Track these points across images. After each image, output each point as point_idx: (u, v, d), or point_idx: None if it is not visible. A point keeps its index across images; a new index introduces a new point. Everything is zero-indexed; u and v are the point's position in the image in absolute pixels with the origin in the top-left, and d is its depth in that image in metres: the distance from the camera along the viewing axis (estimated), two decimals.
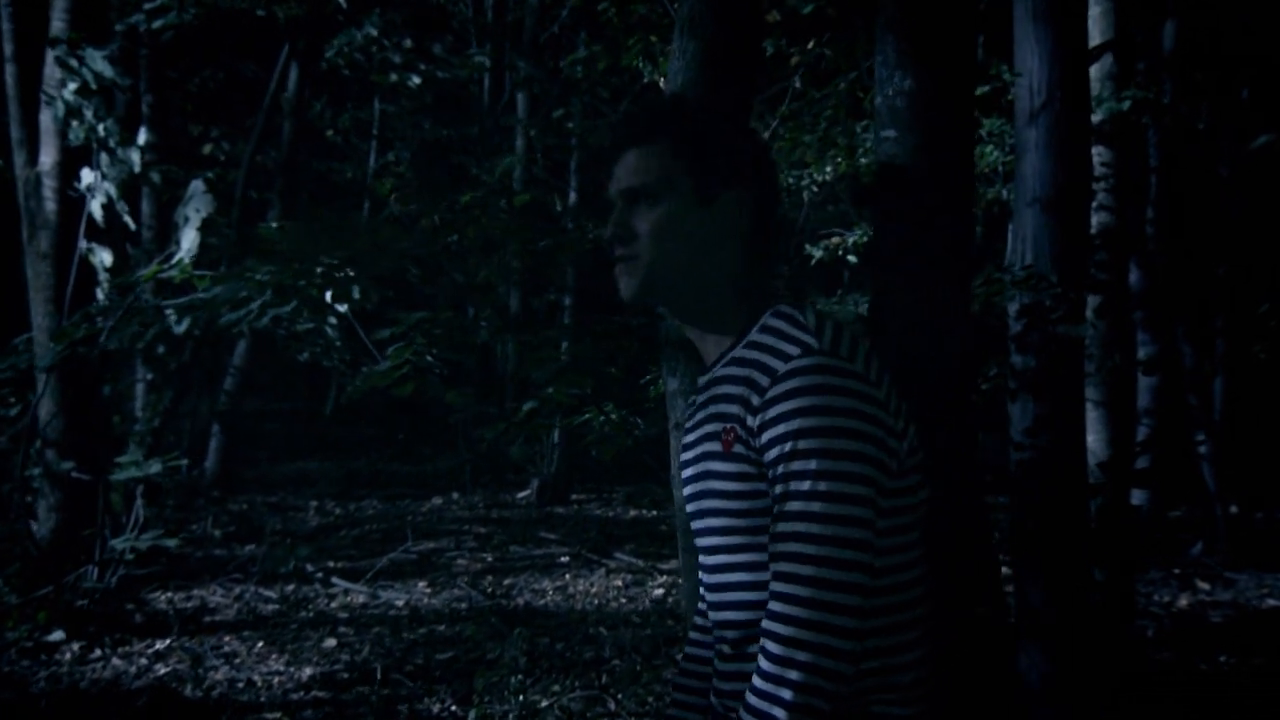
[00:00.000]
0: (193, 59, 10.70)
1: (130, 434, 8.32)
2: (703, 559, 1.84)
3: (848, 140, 4.49)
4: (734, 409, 1.73)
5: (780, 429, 1.61)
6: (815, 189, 5.18)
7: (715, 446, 1.77)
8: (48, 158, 6.98)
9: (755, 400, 1.67)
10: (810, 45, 3.70)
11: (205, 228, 5.12)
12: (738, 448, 1.71)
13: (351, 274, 3.74)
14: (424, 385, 4.62)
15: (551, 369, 3.61)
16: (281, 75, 8.76)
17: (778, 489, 1.63)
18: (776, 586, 1.61)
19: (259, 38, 10.08)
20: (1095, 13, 5.46)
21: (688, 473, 1.88)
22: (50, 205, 7.01)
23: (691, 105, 1.84)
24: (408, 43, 10.94)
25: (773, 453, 1.63)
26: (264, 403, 15.41)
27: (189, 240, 5.49)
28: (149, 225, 9.64)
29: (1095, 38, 5.32)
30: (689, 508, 1.87)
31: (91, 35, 6.79)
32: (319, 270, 3.65)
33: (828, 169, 5.08)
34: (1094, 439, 5.43)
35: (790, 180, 4.91)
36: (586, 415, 4.09)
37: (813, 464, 1.59)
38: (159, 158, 9.28)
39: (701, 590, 1.86)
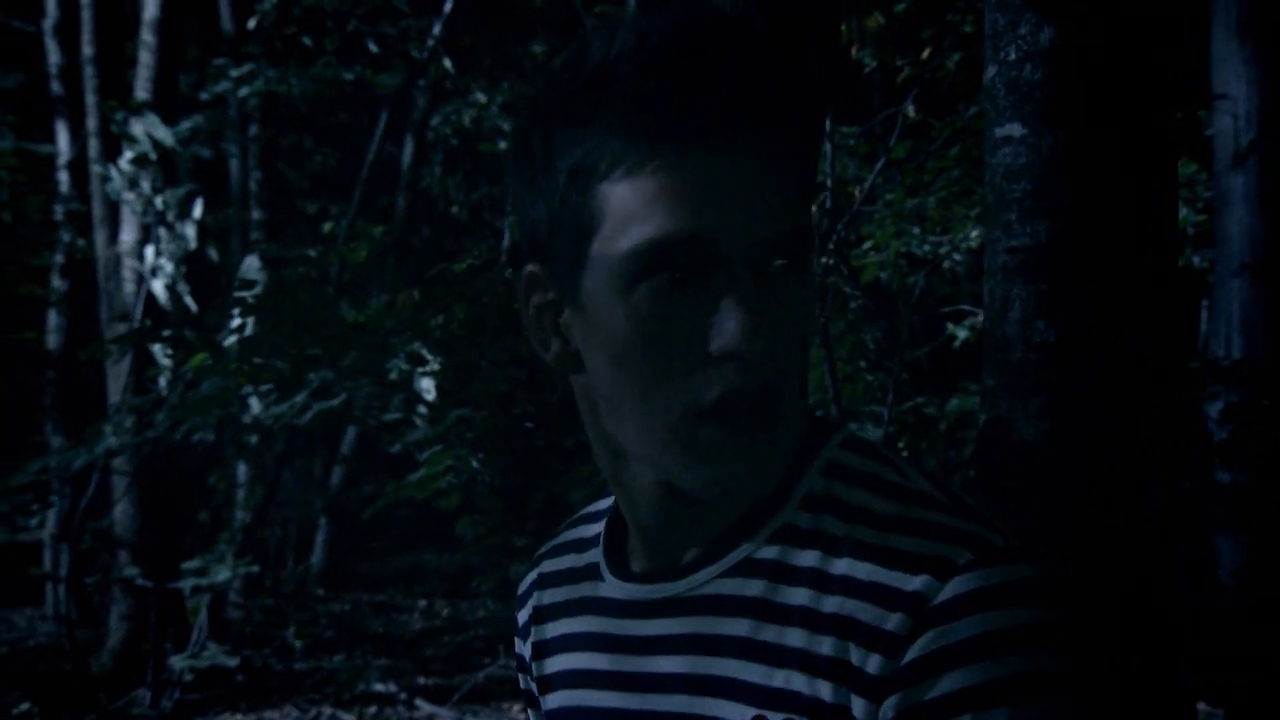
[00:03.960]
0: (308, 133, 10.41)
1: (221, 531, 7.84)
2: None
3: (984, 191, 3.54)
4: (780, 677, 0.82)
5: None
6: (957, 258, 4.23)
7: None
8: (128, 236, 6.58)
9: (867, 659, 0.78)
10: (925, 54, 2.78)
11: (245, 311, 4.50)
12: None
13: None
14: (472, 496, 3.87)
15: (592, 487, 2.78)
16: (381, 146, 8.32)
17: None
18: None
19: (374, 109, 9.70)
20: None
21: None
22: (129, 287, 6.59)
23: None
24: None
25: None
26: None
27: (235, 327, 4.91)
28: None
29: None
30: None
31: (170, 105, 6.38)
32: (282, 364, 2.93)
33: (973, 233, 4.14)
34: None
35: (924, 248, 3.98)
36: None
37: None
38: (267, 235, 8.90)
39: None
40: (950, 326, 4.69)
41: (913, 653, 0.76)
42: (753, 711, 0.82)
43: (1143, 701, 1.22)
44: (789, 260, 0.80)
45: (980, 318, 4.69)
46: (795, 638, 0.81)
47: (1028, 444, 1.12)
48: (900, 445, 3.97)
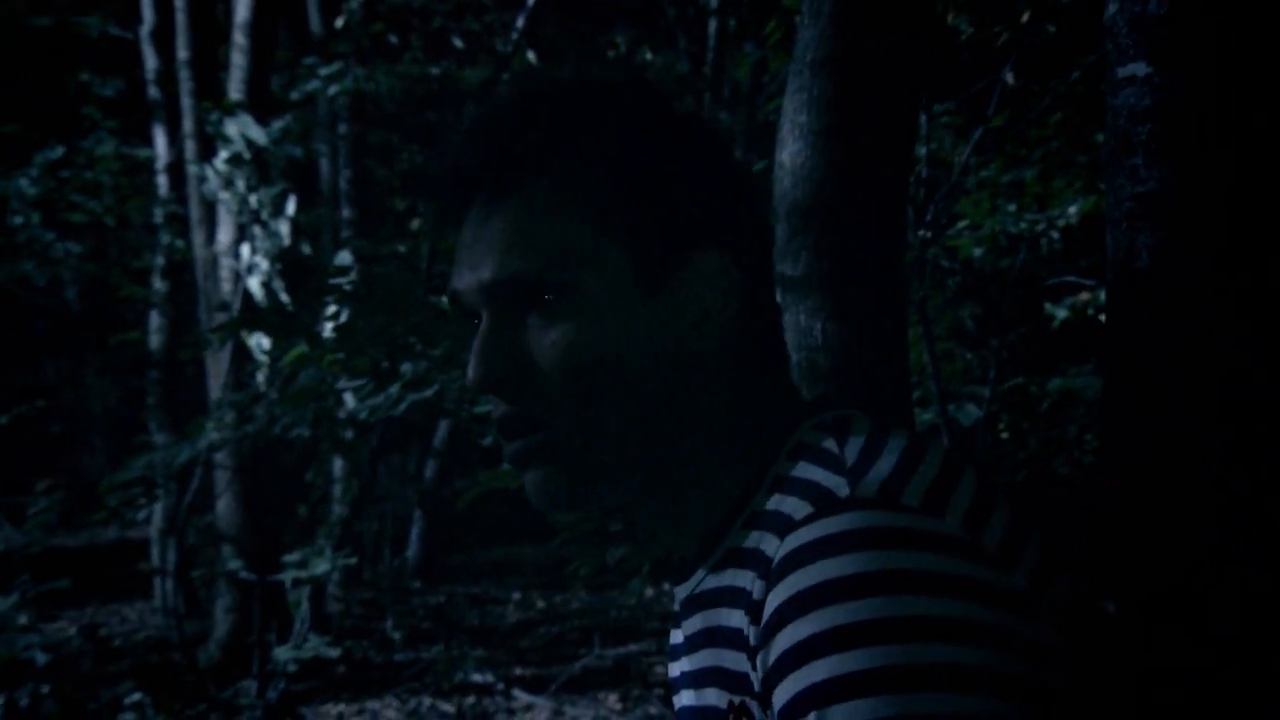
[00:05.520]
0: (396, 131, 10.51)
1: (319, 525, 7.96)
2: None
3: (1088, 160, 3.37)
4: (734, 660, 0.85)
5: (793, 689, 0.72)
6: (1056, 234, 4.11)
7: None
8: (225, 235, 6.70)
9: (754, 634, 0.79)
10: (1025, 16, 2.68)
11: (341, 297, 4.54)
12: None
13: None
14: None
15: None
16: None
17: None
18: None
19: (459, 106, 9.75)
20: None
21: None
22: (226, 286, 6.72)
23: (615, 87, 0.94)
24: None
25: None
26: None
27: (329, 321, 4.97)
28: None
29: None
30: None
31: (262, 106, 6.48)
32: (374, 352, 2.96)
33: (1071, 209, 4.01)
34: None
35: (1020, 225, 3.86)
36: None
37: None
38: (357, 233, 9.02)
39: None
40: (1049, 306, 4.56)
41: (765, 616, 0.77)
42: (728, 697, 0.87)
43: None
44: (536, 304, 0.87)
45: (1083, 296, 4.56)
46: (737, 615, 0.84)
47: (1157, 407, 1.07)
48: (1000, 426, 3.88)
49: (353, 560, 6.27)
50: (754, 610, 0.79)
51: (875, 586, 0.71)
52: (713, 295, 0.90)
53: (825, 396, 0.95)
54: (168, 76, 7.56)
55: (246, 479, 6.66)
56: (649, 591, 9.94)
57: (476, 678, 6.59)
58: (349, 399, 5.25)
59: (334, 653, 5.82)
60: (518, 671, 6.94)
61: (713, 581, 0.90)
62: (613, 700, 6.33)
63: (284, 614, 6.39)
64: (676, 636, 1.03)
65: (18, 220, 7.71)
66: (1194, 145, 0.97)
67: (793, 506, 0.80)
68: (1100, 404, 1.15)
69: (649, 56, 12.06)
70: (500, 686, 6.51)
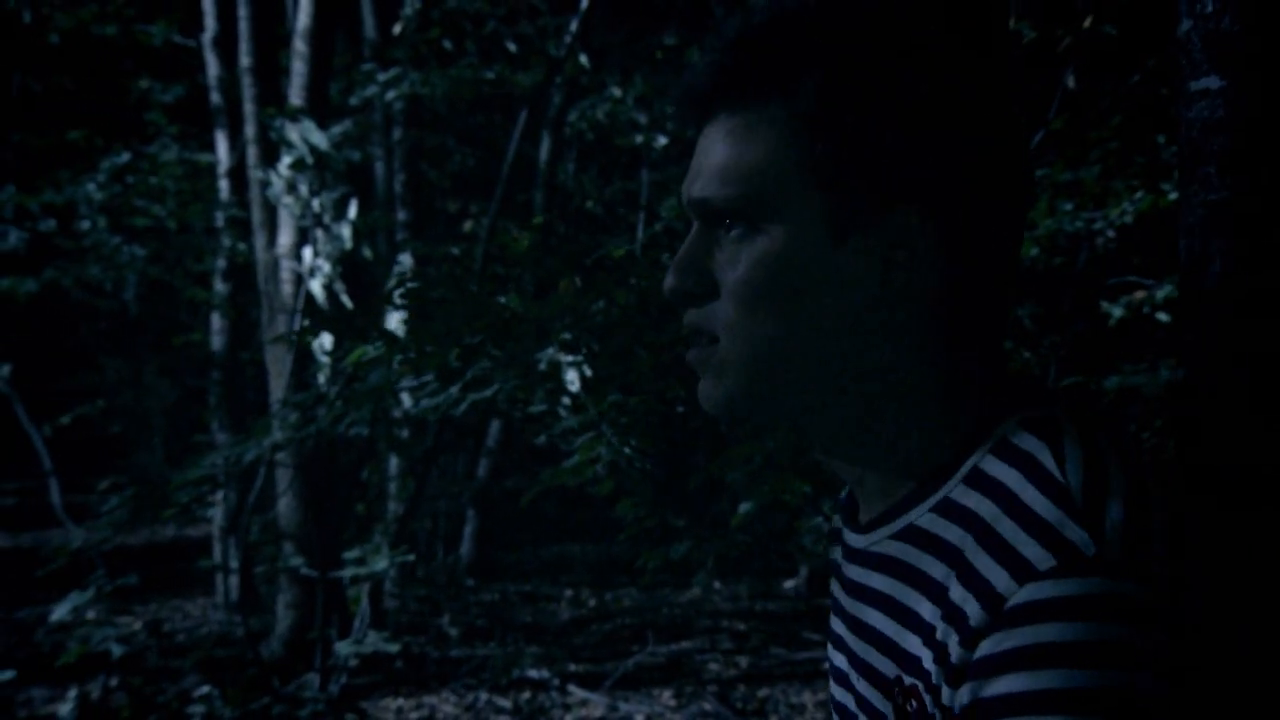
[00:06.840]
0: (448, 135, 10.62)
1: (376, 523, 8.08)
2: None
3: (1146, 160, 3.39)
4: (912, 643, 0.88)
5: None
6: (1111, 234, 4.12)
7: (881, 705, 0.93)
8: (286, 239, 6.82)
9: (953, 644, 0.82)
10: (1087, 22, 2.70)
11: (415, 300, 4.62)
12: None
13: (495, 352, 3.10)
14: (624, 483, 3.92)
15: (749, 469, 2.80)
16: (521, 143, 8.44)
17: None
18: None
19: (510, 109, 9.86)
20: None
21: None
22: (287, 289, 6.84)
23: (861, 12, 0.89)
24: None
25: None
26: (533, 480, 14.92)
27: (393, 321, 5.07)
28: None
29: None
30: None
31: (322, 111, 6.60)
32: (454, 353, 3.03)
33: (1127, 208, 4.02)
34: None
35: (1077, 224, 3.88)
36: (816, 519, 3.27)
37: None
38: (411, 235, 9.13)
39: None
40: (1104, 304, 4.56)
41: (983, 649, 0.78)
42: (896, 671, 0.89)
43: None
44: (734, 225, 0.91)
45: (1138, 294, 4.55)
46: (925, 609, 0.86)
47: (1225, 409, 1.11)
48: None
49: (409, 557, 6.38)
50: (958, 621, 0.81)
51: (1118, 658, 0.74)
52: (903, 256, 0.88)
53: (1023, 384, 0.93)
54: (229, 83, 7.70)
55: (306, 477, 6.77)
56: (698, 590, 10.00)
57: (532, 674, 6.67)
58: (405, 398, 5.35)
59: (393, 648, 5.91)
60: (572, 668, 7.01)
61: (888, 548, 0.93)
62: (667, 696, 6.39)
63: (344, 610, 6.51)
64: (835, 586, 1.08)
65: (85, 225, 7.88)
66: (1266, 156, 1.02)
67: (1023, 543, 0.79)
68: (1173, 400, 1.20)
69: (697, 58, 12.10)
70: (555, 682, 6.58)
